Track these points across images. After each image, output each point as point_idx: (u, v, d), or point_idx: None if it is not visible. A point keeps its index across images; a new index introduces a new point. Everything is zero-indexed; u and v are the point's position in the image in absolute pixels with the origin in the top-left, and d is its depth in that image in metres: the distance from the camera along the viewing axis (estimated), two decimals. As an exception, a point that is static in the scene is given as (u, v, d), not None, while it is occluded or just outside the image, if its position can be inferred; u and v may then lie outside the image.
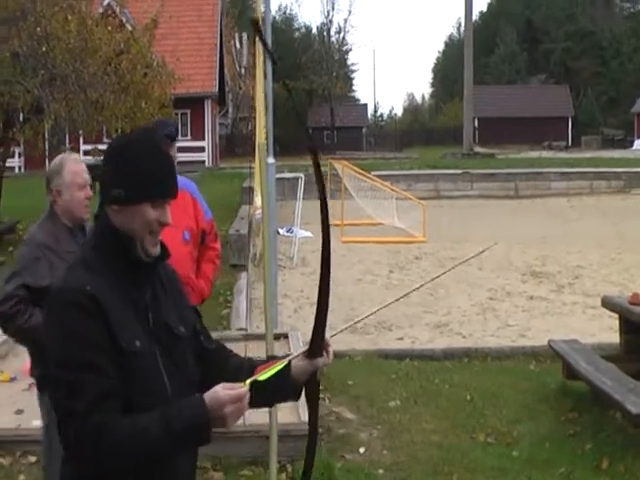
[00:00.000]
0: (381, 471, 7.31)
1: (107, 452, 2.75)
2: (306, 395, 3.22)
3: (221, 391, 2.80)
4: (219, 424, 2.82)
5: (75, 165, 5.47)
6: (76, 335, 2.83)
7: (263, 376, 3.03)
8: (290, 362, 3.15)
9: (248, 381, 2.91)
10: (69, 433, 2.80)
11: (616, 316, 10.02)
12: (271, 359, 3.24)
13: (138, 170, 2.99)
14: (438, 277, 3.59)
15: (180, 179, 6.22)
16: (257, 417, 6.92)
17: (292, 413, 7.65)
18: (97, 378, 2.80)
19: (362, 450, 7.73)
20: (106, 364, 2.83)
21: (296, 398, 3.26)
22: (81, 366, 2.80)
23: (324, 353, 3.16)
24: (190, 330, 3.18)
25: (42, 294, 5.09)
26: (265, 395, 3.13)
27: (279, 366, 3.09)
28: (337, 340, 10.00)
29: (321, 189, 3.21)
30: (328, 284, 3.14)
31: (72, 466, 2.97)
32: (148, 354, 2.96)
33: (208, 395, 2.81)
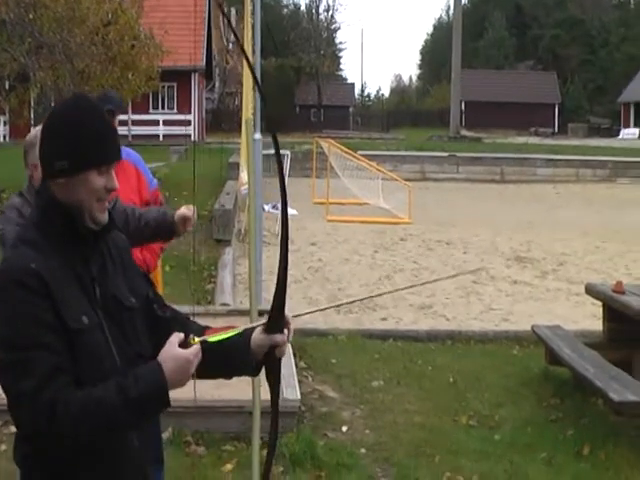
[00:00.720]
0: (363, 450, 7.30)
1: (62, 427, 2.70)
2: (266, 373, 3.15)
3: (184, 352, 2.78)
4: (181, 384, 2.81)
5: None
6: (21, 314, 2.77)
7: (213, 338, 3.00)
8: (248, 334, 3.09)
9: (197, 339, 2.87)
10: (21, 413, 2.76)
11: (599, 304, 10.02)
12: (229, 328, 3.19)
13: (80, 139, 2.91)
14: (426, 283, 3.56)
15: (124, 150, 6.18)
16: (240, 393, 6.90)
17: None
18: (45, 355, 2.74)
19: (345, 429, 7.72)
20: (54, 341, 2.78)
21: (255, 373, 3.18)
22: (28, 345, 2.75)
23: (284, 331, 3.09)
24: (141, 300, 3.12)
25: None
26: (222, 363, 3.12)
27: (231, 332, 3.06)
28: (321, 319, 9.99)
29: (280, 169, 3.17)
30: (286, 261, 3.09)
31: (27, 445, 2.92)
32: (96, 329, 2.91)
33: (168, 357, 2.78)
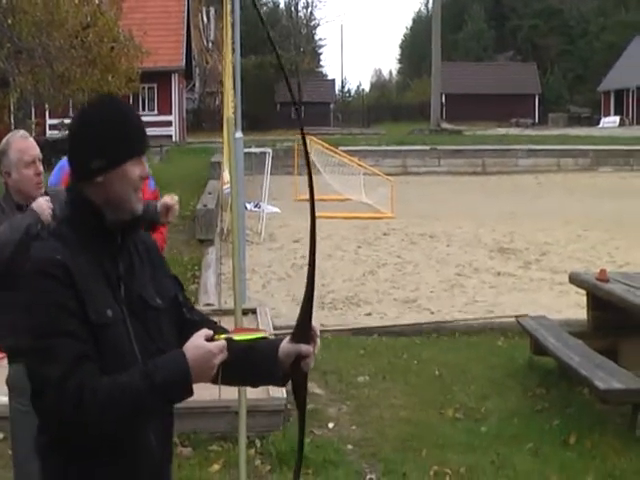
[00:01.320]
0: (350, 446, 7.31)
1: (88, 414, 2.73)
2: (292, 387, 3.17)
3: (208, 343, 2.81)
4: (205, 376, 2.83)
5: (21, 142, 5.33)
6: (46, 302, 2.81)
7: (238, 337, 3.00)
8: (277, 343, 3.09)
9: (222, 336, 2.90)
10: (47, 401, 2.78)
11: (583, 292, 10.06)
12: (255, 330, 3.20)
13: (112, 133, 2.97)
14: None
15: None
16: (226, 393, 6.88)
17: (261, 389, 7.62)
18: (70, 342, 2.78)
19: (331, 425, 7.74)
20: (78, 329, 2.81)
21: (281, 383, 3.21)
22: (53, 333, 2.78)
23: (310, 342, 3.08)
24: (168, 301, 3.14)
25: None
26: (249, 370, 3.13)
27: (256, 335, 3.07)
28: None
29: (309, 177, 3.22)
30: (314, 270, 3.10)
31: (48, 435, 2.94)
32: (119, 325, 2.94)
33: (192, 347, 2.81)
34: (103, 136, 2.97)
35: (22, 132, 5.59)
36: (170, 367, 2.79)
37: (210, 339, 2.84)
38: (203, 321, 3.25)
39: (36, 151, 5.34)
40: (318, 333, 3.12)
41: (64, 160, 6.20)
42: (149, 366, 2.81)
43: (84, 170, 2.99)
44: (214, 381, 3.01)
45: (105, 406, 2.74)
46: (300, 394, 3.17)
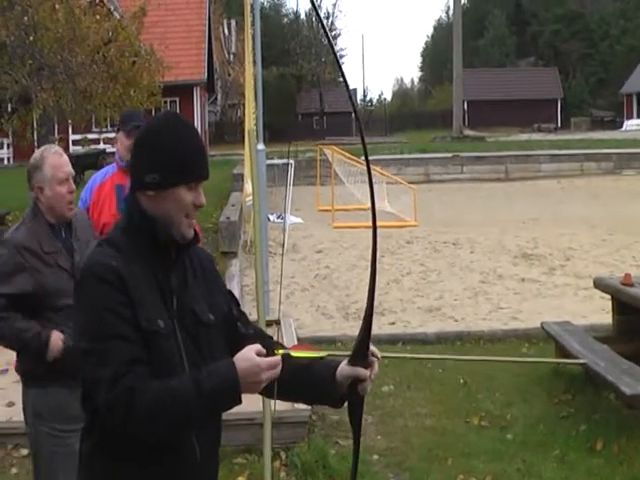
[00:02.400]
0: (376, 457, 7.31)
1: (138, 415, 2.76)
2: (348, 410, 3.16)
3: (258, 357, 2.83)
4: (252, 389, 2.85)
5: (56, 158, 5.24)
6: (100, 307, 2.86)
7: (296, 353, 3.03)
8: (336, 364, 3.12)
9: (280, 351, 2.93)
10: (98, 401, 2.82)
11: (608, 297, 10.03)
12: (312, 349, 3.23)
13: (174, 154, 3.00)
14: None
15: None
16: (251, 405, 6.89)
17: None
18: (123, 346, 2.83)
19: (356, 436, 7.72)
20: (131, 334, 2.86)
21: (337, 405, 3.21)
22: (106, 336, 2.83)
23: (368, 366, 3.09)
24: (220, 317, 3.17)
25: (24, 299, 5.04)
26: (306, 388, 3.17)
27: (315, 354, 3.10)
28: (329, 326, 9.98)
29: (371, 194, 3.23)
30: (373, 295, 3.12)
31: (92, 440, 3.01)
32: (170, 337, 2.98)
33: (242, 358, 2.83)
34: (162, 153, 3.00)
35: (56, 148, 5.49)
36: (220, 375, 2.82)
37: (263, 354, 2.86)
38: (258, 336, 3.29)
39: (70, 168, 5.28)
40: (379, 356, 3.12)
41: (95, 177, 6.26)
42: (200, 373, 2.84)
43: (139, 180, 3.03)
44: (269, 395, 3.07)
45: (154, 408, 2.77)
46: (356, 417, 3.17)
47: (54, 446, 5.00)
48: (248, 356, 2.83)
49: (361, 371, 3.07)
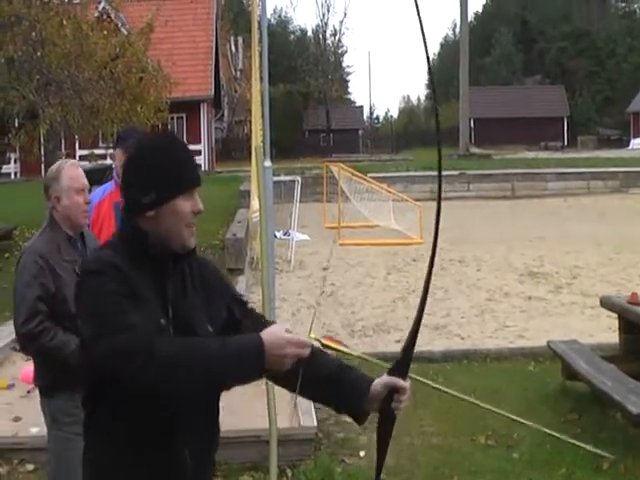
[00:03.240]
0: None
1: (158, 361, 2.74)
2: (378, 427, 3.20)
3: (283, 332, 2.86)
4: (277, 362, 2.84)
5: (72, 170, 5.46)
6: (103, 294, 2.87)
7: (327, 342, 3.07)
8: (372, 378, 3.16)
9: (313, 335, 2.97)
10: (117, 359, 2.78)
11: (615, 316, 10.00)
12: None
13: (164, 169, 3.03)
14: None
15: None
16: (257, 422, 6.90)
17: (292, 418, 7.63)
18: (134, 318, 2.83)
19: (362, 454, 7.70)
20: (138, 311, 2.86)
21: (361, 418, 3.24)
22: (114, 318, 2.82)
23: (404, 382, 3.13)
24: (219, 329, 3.16)
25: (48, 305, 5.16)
26: (336, 391, 3.17)
27: (346, 349, 3.15)
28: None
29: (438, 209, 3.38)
30: (422, 315, 3.15)
31: (87, 440, 3.07)
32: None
33: (269, 332, 2.87)
34: (153, 172, 3.03)
35: (73, 161, 5.73)
36: (246, 339, 2.86)
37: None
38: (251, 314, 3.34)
39: (85, 180, 5.48)
40: (408, 387, 3.15)
41: (94, 194, 6.28)
42: (227, 337, 2.89)
43: (136, 204, 3.05)
44: (293, 389, 3.09)
45: (176, 356, 2.76)
46: (385, 433, 3.24)
47: (72, 450, 5.04)
48: (275, 329, 2.88)
49: (400, 382, 3.09)
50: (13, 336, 7.11)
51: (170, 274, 3.07)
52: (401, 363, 3.11)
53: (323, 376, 3.12)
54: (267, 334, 2.84)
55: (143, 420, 2.94)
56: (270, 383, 6.30)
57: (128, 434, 2.98)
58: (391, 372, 3.11)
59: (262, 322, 3.30)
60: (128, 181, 3.10)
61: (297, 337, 2.87)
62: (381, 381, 3.12)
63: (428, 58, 3.15)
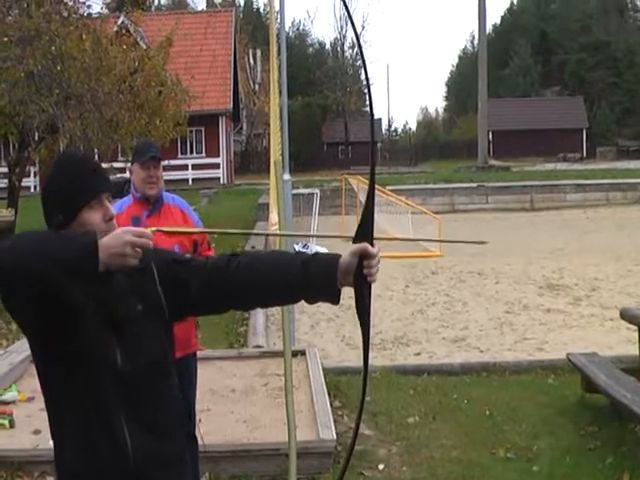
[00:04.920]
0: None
1: (10, 241, 2.85)
2: (356, 300, 3.09)
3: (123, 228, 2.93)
4: (117, 252, 2.86)
5: None
6: None
7: (167, 229, 3.08)
8: (337, 256, 3.09)
9: (153, 228, 2.99)
10: None
11: (635, 328, 9.94)
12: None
13: (61, 188, 3.11)
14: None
15: (168, 195, 6.27)
16: (276, 435, 6.91)
17: (311, 431, 7.63)
18: None
19: (381, 467, 7.69)
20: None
21: (336, 298, 3.15)
22: None
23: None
24: (149, 305, 3.16)
25: None
26: (306, 283, 3.12)
27: (187, 229, 3.15)
28: (354, 357, 9.95)
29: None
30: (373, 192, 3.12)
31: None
32: (95, 324, 3.04)
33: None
34: (56, 192, 3.12)
35: None
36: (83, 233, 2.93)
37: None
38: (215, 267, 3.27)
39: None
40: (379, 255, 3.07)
41: (125, 198, 6.29)
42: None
43: (53, 229, 3.10)
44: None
45: (21, 237, 2.87)
46: (363, 305, 3.09)
47: None
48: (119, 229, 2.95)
49: (369, 247, 3.01)
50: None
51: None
52: (363, 229, 3.04)
53: (293, 275, 3.10)
54: (109, 235, 2.91)
55: (77, 386, 3.04)
56: (290, 398, 6.33)
57: (68, 412, 3.10)
58: (356, 240, 3.04)
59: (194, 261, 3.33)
60: (43, 210, 3.18)
61: (135, 228, 2.93)
62: (349, 251, 3.03)
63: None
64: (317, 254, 3.18)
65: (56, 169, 3.22)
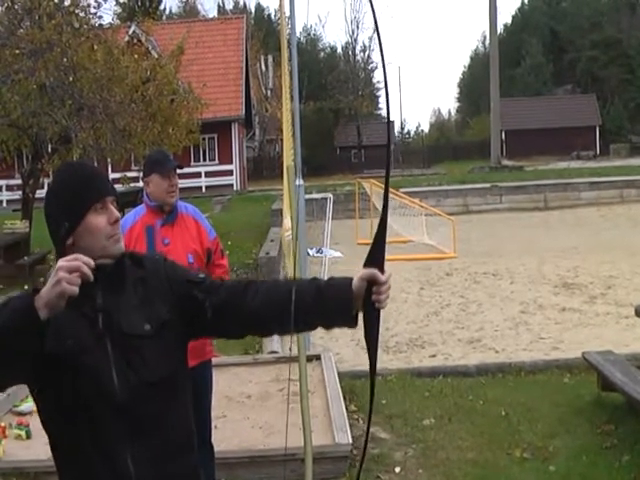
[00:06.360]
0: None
1: None
2: (365, 325, 3.10)
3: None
4: (55, 291, 2.74)
5: None
6: None
7: None
8: (348, 279, 3.10)
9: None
10: None
11: (650, 326, 9.97)
12: None
13: (65, 195, 3.10)
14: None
15: (181, 204, 6.31)
16: (292, 440, 6.93)
17: (326, 435, 7.66)
18: None
19: (397, 470, 7.71)
20: None
21: (353, 323, 3.15)
22: None
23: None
24: (157, 327, 3.13)
25: None
26: (322, 310, 3.14)
27: None
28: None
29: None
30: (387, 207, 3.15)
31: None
32: (95, 352, 3.00)
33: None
34: (59, 202, 3.11)
35: None
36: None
37: None
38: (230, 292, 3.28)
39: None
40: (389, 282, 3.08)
41: (126, 218, 6.34)
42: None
43: (57, 239, 3.11)
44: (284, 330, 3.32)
45: None
46: (372, 332, 3.10)
47: None
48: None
49: (378, 274, 3.02)
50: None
51: (100, 285, 3.04)
52: (374, 254, 3.06)
53: (308, 304, 3.11)
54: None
55: (78, 428, 3.02)
56: (305, 403, 6.35)
57: (70, 444, 3.07)
58: (366, 264, 3.05)
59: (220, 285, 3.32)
60: (47, 225, 3.18)
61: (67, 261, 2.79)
62: (358, 276, 3.04)
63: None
64: (332, 279, 3.20)
65: (56, 181, 3.22)
